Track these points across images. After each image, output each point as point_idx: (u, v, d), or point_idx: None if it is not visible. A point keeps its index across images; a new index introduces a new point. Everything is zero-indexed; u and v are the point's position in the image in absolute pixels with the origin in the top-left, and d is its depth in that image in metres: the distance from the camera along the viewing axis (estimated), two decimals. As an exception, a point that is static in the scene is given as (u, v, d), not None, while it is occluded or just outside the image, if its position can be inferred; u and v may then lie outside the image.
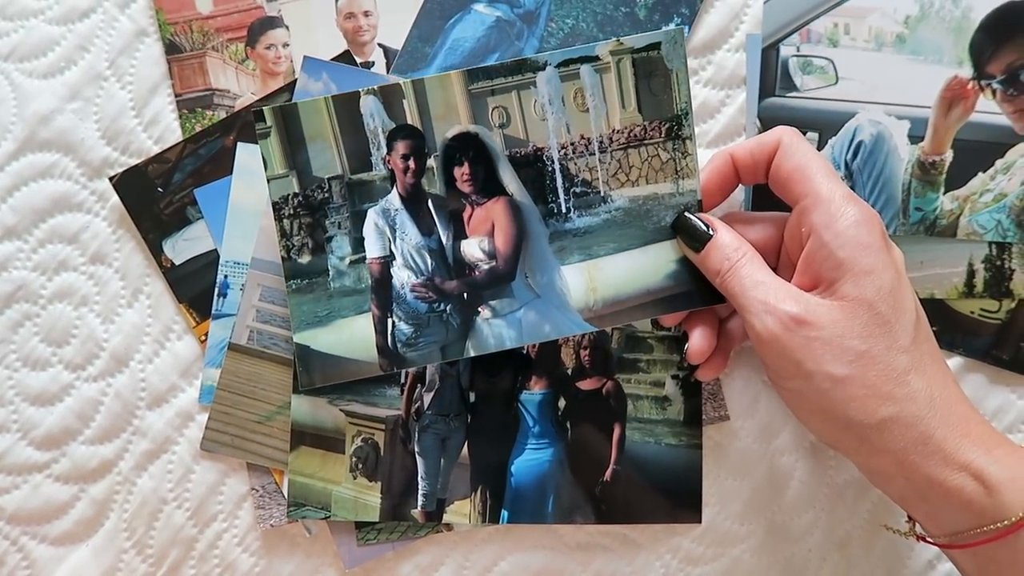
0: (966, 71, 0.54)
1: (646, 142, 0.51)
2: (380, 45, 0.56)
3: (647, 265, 0.50)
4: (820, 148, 0.54)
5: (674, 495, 0.54)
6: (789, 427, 0.55)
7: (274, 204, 0.51)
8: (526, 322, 0.51)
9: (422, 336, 0.51)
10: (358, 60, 0.56)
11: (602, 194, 0.51)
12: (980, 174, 0.54)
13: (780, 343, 0.43)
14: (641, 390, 0.54)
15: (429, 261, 0.51)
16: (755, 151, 0.47)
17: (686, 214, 0.49)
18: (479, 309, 0.51)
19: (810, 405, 0.44)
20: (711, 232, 0.47)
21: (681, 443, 0.54)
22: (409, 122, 0.51)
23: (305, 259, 0.52)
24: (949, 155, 0.54)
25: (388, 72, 0.55)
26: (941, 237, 0.54)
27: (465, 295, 0.51)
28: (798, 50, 0.55)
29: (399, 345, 0.51)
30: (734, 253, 0.46)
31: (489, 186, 0.51)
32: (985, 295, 0.54)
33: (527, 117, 0.51)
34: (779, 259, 0.49)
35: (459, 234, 0.51)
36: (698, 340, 0.49)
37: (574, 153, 0.51)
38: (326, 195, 0.52)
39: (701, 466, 0.54)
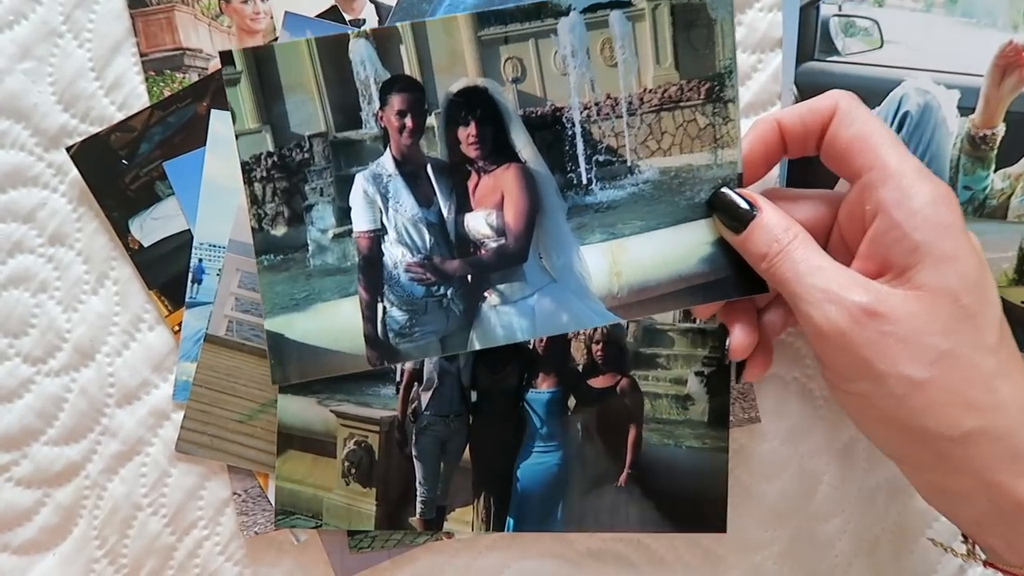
0: (1022, 36, 0.51)
1: (682, 104, 0.47)
2: (371, 1, 0.52)
3: (679, 247, 0.46)
4: (861, 120, 0.51)
5: (695, 503, 0.51)
6: (819, 428, 0.53)
7: (243, 164, 0.47)
8: (540, 310, 0.47)
9: (418, 325, 0.48)
10: (347, 18, 0.52)
11: (629, 164, 0.47)
12: (1036, 151, 0.52)
13: (846, 338, 0.39)
14: (660, 388, 0.51)
15: (427, 237, 0.47)
16: (807, 117, 0.43)
17: (724, 190, 0.45)
18: (485, 294, 0.47)
19: (878, 413, 0.40)
20: (755, 211, 0.43)
21: (704, 446, 0.51)
22: (407, 72, 0.46)
23: (280, 231, 0.48)
24: (1001, 129, 0.51)
25: (380, 31, 0.51)
26: (990, 219, 0.52)
27: (469, 277, 0.47)
28: (840, 9, 0.52)
29: (391, 335, 0.48)
30: (784, 234, 0.41)
31: (499, 151, 0.46)
32: (1038, 284, 0.53)
33: (545, 71, 0.47)
34: (828, 243, 0.45)
35: (463, 206, 0.47)
36: (740, 335, 0.45)
37: (598, 115, 0.47)
38: (306, 156, 0.47)
39: (727, 472, 0.51)
